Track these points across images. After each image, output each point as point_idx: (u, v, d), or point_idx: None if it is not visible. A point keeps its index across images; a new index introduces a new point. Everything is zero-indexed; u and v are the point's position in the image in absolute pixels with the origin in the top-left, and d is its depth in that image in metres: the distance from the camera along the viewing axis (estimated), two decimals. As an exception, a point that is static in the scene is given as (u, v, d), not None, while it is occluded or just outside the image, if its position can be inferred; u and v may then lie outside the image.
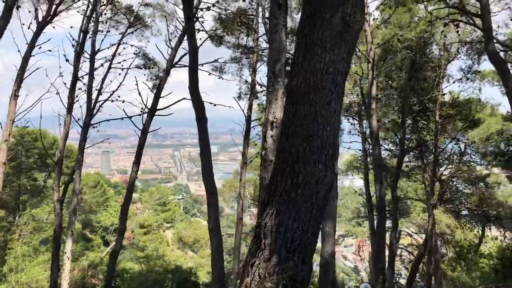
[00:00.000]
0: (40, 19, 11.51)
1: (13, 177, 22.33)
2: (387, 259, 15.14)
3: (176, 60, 12.79)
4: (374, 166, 13.87)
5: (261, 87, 14.09)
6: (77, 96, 12.33)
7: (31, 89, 11.40)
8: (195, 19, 10.74)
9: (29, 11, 11.53)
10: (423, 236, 19.97)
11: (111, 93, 12.57)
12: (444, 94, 15.76)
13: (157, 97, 12.57)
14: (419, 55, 14.67)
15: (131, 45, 13.59)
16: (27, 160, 23.80)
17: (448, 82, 16.28)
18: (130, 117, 12.10)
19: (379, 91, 15.39)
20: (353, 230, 25.43)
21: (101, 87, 12.60)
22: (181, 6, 7.71)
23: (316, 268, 9.25)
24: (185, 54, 12.67)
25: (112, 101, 12.64)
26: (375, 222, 15.88)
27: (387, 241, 15.74)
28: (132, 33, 13.96)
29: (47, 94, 11.76)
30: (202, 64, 13.09)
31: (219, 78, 14.59)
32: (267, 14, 12.97)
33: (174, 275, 17.63)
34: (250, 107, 14.63)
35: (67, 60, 12.24)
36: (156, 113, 12.68)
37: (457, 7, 10.90)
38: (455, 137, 16.54)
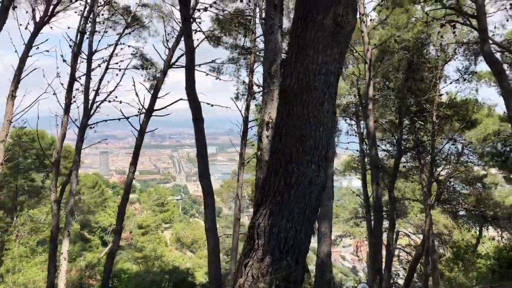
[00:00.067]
0: (37, 19, 11.47)
1: (11, 177, 22.33)
2: (384, 259, 15.17)
3: (173, 60, 12.76)
4: (371, 167, 13.88)
5: (258, 88, 14.07)
6: (74, 97, 12.31)
7: (29, 89, 11.34)
8: (192, 20, 10.75)
9: (27, 12, 11.53)
10: (421, 236, 20.00)
11: (109, 93, 12.55)
12: (441, 95, 15.77)
13: (154, 98, 12.54)
14: (416, 56, 14.72)
15: (129, 46, 13.59)
16: (24, 161, 23.78)
17: (445, 83, 16.32)
18: (127, 118, 12.04)
19: (376, 91, 15.42)
20: (351, 230, 25.47)
21: (98, 88, 12.58)
22: (178, 7, 7.73)
23: (312, 268, 9.26)
24: (182, 55, 12.62)
25: (110, 101, 12.60)
26: (372, 223, 15.89)
27: (385, 242, 15.77)
28: (129, 33, 13.97)
29: (45, 95, 11.76)
30: (200, 65, 13.06)
31: (216, 78, 14.59)
32: (264, 15, 12.95)
33: (171, 276, 17.64)
34: (247, 108, 14.62)
35: (64, 61, 12.23)
36: (153, 114, 12.63)
37: (453, 8, 10.94)
38: (452, 138, 16.58)
